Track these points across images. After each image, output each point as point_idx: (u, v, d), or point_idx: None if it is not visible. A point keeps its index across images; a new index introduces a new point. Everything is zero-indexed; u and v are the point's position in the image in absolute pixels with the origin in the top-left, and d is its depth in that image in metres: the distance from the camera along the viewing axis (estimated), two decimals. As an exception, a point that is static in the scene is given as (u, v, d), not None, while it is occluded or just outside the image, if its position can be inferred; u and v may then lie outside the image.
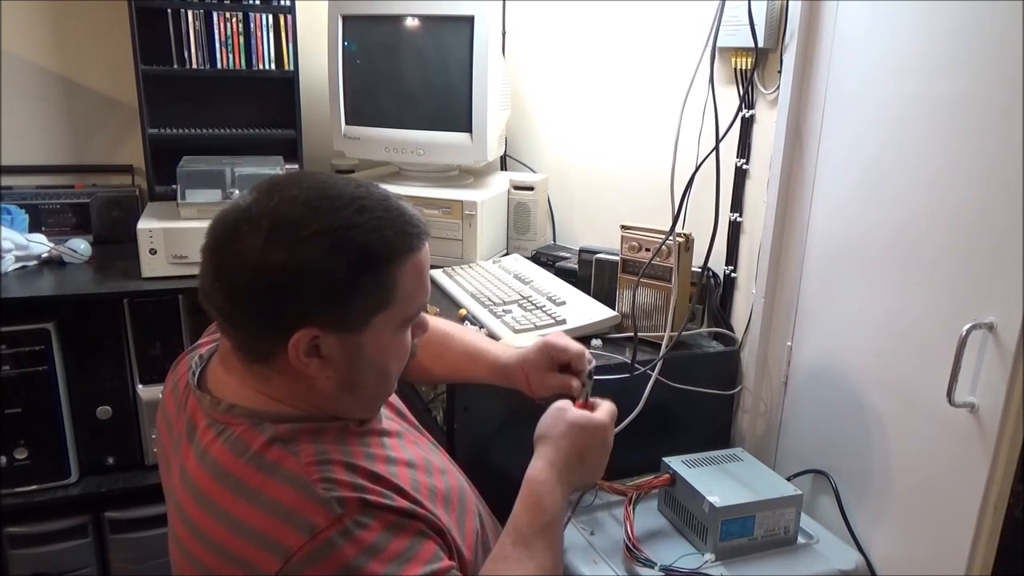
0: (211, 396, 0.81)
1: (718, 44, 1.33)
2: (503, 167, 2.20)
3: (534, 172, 2.05)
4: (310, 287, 0.73)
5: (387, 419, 0.91)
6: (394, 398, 0.96)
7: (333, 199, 0.76)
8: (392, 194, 0.81)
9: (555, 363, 1.05)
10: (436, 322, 1.17)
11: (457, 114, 1.82)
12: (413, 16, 1.83)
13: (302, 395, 0.80)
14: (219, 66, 1.89)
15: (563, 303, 1.46)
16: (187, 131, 1.93)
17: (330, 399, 0.81)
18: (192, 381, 0.84)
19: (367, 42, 1.88)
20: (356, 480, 0.74)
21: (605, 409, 0.95)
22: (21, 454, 1.66)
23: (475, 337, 1.19)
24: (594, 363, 1.05)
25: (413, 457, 0.86)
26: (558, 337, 1.07)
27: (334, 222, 0.74)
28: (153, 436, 1.73)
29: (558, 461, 0.89)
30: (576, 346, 1.05)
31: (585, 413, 0.93)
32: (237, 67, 1.90)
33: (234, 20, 1.88)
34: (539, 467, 0.89)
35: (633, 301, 1.38)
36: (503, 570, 0.81)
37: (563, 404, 0.95)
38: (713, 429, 1.45)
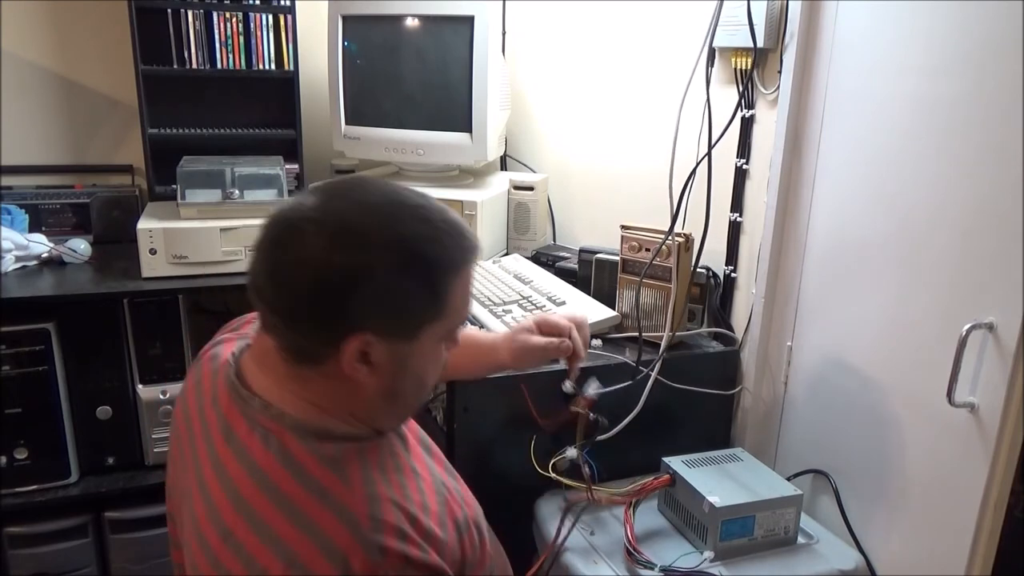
0: (259, 400, 0.79)
1: (718, 44, 1.33)
2: (503, 167, 2.20)
3: (534, 172, 2.05)
4: (371, 293, 0.73)
5: (402, 440, 0.90)
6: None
7: (398, 207, 0.76)
8: (447, 207, 0.81)
9: (543, 330, 1.11)
10: None
11: (457, 114, 1.82)
12: (413, 16, 1.83)
13: (341, 400, 0.80)
14: (219, 66, 1.89)
15: (563, 303, 1.46)
16: (187, 131, 1.93)
17: (368, 406, 0.81)
18: (232, 379, 0.82)
19: (367, 42, 1.88)
20: (401, 526, 0.74)
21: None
22: (21, 454, 1.66)
23: (464, 333, 1.20)
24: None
25: (438, 486, 0.86)
26: (549, 315, 1.14)
27: (399, 230, 0.74)
28: (163, 435, 1.74)
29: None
30: (564, 321, 1.11)
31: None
32: (237, 67, 1.90)
33: (234, 20, 1.87)
34: None
35: (637, 302, 1.38)
36: None
37: None
38: (713, 429, 1.45)
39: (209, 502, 0.77)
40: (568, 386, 1.16)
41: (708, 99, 1.33)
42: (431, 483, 0.83)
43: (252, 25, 1.89)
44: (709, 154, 1.36)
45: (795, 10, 1.25)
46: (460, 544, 0.82)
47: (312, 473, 0.74)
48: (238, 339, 0.90)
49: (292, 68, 1.93)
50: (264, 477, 0.74)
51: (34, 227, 1.89)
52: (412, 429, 0.93)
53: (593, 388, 1.17)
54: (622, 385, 1.29)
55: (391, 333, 0.76)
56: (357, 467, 0.76)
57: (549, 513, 1.23)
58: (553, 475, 1.17)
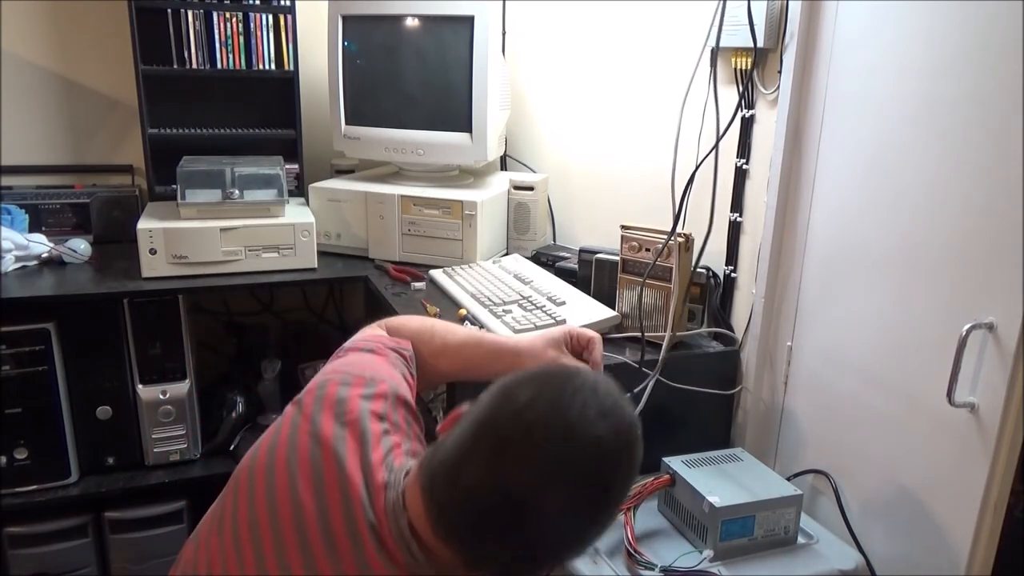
0: (432, 564, 0.78)
1: (718, 44, 1.33)
2: (503, 167, 2.20)
3: (534, 172, 2.05)
4: (577, 546, 0.79)
5: None
6: None
7: (620, 456, 0.76)
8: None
9: (572, 346, 1.12)
10: (449, 327, 1.18)
11: (457, 114, 1.82)
12: (413, 16, 1.83)
13: None
14: (219, 66, 1.89)
15: (563, 303, 1.46)
16: (187, 131, 1.93)
17: None
18: (407, 534, 0.79)
19: (367, 42, 1.89)
20: None
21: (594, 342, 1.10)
22: (21, 454, 1.66)
23: (483, 334, 1.21)
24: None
25: None
26: (573, 327, 1.14)
27: (617, 499, 0.78)
28: (163, 435, 1.74)
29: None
30: (591, 332, 1.13)
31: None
32: (237, 67, 1.90)
33: (234, 20, 1.88)
34: None
35: (639, 302, 1.38)
36: None
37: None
38: (713, 429, 1.45)
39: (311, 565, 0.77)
40: None
41: (716, 99, 1.33)
42: None
43: (252, 25, 1.89)
44: (716, 153, 1.36)
45: (795, 10, 1.25)
46: None
47: None
48: (381, 438, 0.86)
49: (292, 68, 1.93)
50: None
51: (34, 227, 1.89)
52: None
53: None
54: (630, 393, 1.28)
55: None
56: None
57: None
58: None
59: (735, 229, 1.44)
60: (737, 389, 1.44)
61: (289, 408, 0.92)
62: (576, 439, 0.72)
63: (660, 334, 1.35)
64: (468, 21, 1.75)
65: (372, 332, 1.12)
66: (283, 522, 0.81)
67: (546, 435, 0.72)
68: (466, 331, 1.19)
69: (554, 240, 2.00)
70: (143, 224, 1.67)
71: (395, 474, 0.82)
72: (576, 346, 1.12)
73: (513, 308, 1.45)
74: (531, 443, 0.72)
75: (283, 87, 1.94)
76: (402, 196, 1.80)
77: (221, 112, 2.02)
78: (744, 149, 1.40)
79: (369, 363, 0.99)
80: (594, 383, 0.77)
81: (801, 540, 1.18)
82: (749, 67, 1.34)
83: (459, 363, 1.14)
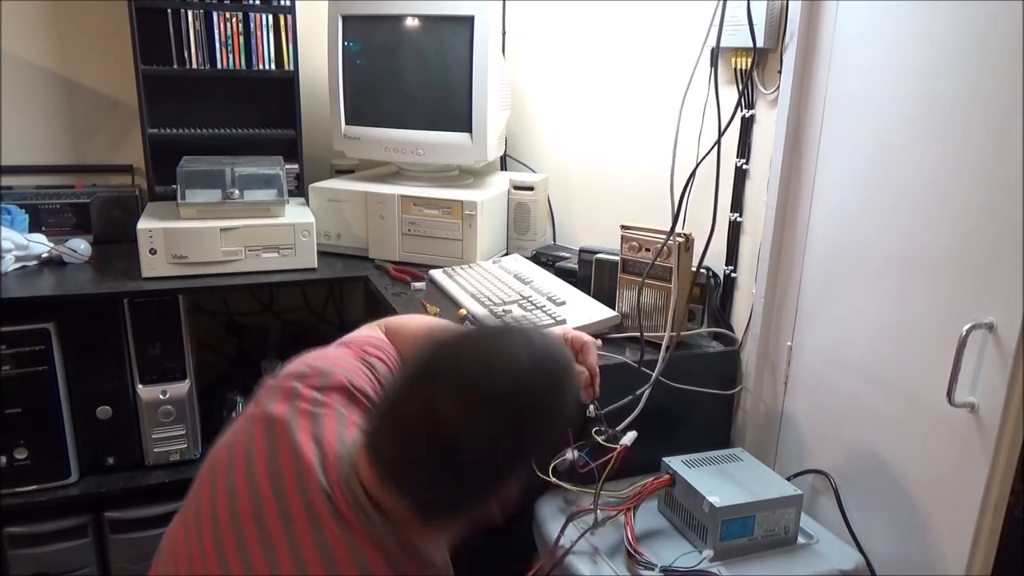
0: (387, 524, 0.80)
1: (718, 44, 1.33)
2: (503, 167, 2.20)
3: (534, 172, 2.05)
4: (515, 474, 0.80)
5: None
6: None
7: (549, 386, 0.80)
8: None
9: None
10: (450, 327, 1.18)
11: (457, 114, 1.82)
12: (413, 16, 1.83)
13: (420, 539, 0.82)
14: (219, 66, 1.89)
15: (563, 303, 1.46)
16: (187, 131, 1.93)
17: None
18: (361, 496, 0.80)
19: (367, 42, 1.89)
20: None
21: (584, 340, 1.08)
22: (21, 454, 1.66)
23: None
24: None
25: None
26: (568, 330, 1.14)
27: (550, 419, 0.81)
28: (163, 435, 1.74)
29: None
30: (585, 336, 1.11)
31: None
32: (237, 67, 1.90)
33: (234, 20, 1.88)
34: None
35: (638, 302, 1.38)
36: None
37: None
38: (713, 429, 1.45)
39: (273, 562, 0.77)
40: (592, 411, 1.19)
41: (717, 99, 1.33)
42: None
43: (252, 25, 1.89)
44: (718, 153, 1.35)
45: (795, 10, 1.25)
46: None
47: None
48: (335, 417, 0.88)
49: (292, 68, 1.93)
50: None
51: (34, 227, 1.89)
52: None
53: (628, 437, 1.21)
54: (626, 399, 1.28)
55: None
56: None
57: (549, 514, 1.23)
58: (553, 479, 1.17)
59: (735, 229, 1.44)
60: (737, 389, 1.44)
61: (248, 405, 0.94)
62: (499, 372, 0.76)
63: (660, 334, 1.35)
64: (468, 21, 1.75)
65: (367, 332, 1.12)
66: (243, 516, 0.81)
67: (471, 369, 0.76)
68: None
69: (554, 240, 2.00)
70: (143, 224, 1.67)
71: (347, 446, 0.84)
72: (571, 350, 1.11)
73: (513, 308, 1.45)
74: (456, 378, 0.76)
75: (283, 87, 1.94)
76: (402, 196, 1.80)
77: (221, 112, 2.02)
78: (744, 149, 1.40)
79: (331, 356, 1.00)
80: (524, 330, 0.83)
81: (801, 540, 1.18)
82: (749, 67, 1.34)
83: None
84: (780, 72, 1.30)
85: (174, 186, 1.74)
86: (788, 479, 1.22)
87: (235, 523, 0.81)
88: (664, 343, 1.33)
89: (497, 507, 0.79)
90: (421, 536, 0.81)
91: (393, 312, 1.46)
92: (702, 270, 1.42)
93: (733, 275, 1.46)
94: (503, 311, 1.43)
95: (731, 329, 1.46)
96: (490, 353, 0.78)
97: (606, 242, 1.56)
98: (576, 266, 1.64)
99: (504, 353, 0.78)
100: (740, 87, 1.37)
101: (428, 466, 0.76)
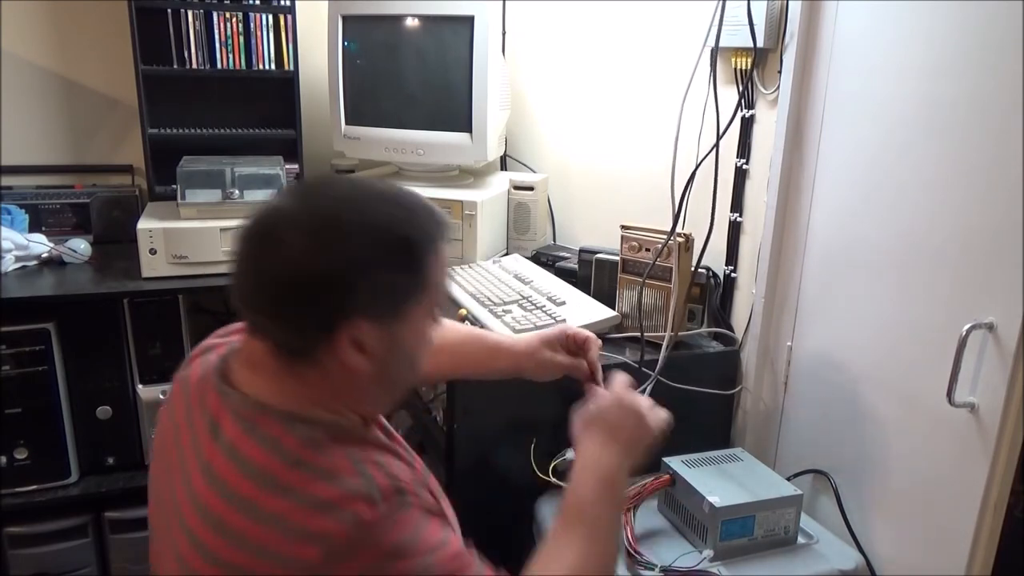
0: (239, 393, 0.81)
1: (718, 44, 1.33)
2: (503, 167, 2.20)
3: (534, 172, 2.05)
4: (356, 280, 0.75)
5: (383, 434, 0.92)
6: (382, 419, 0.98)
7: (367, 195, 0.80)
8: (413, 191, 0.84)
9: (567, 346, 1.12)
10: (447, 325, 1.19)
11: (457, 114, 1.82)
12: (413, 16, 1.83)
13: (334, 391, 0.81)
14: (219, 66, 1.89)
15: (563, 303, 1.46)
16: (187, 131, 1.93)
17: (362, 393, 0.83)
18: (216, 379, 0.84)
19: (367, 42, 1.88)
20: (390, 471, 0.76)
21: (616, 383, 1.02)
22: (21, 454, 1.66)
23: (483, 332, 1.21)
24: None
25: (417, 472, 0.87)
26: (569, 327, 1.14)
27: (373, 217, 0.77)
28: (152, 438, 1.74)
29: (586, 453, 0.94)
30: (587, 332, 1.12)
31: (600, 395, 1.01)
32: (237, 67, 1.90)
33: (234, 20, 1.87)
34: (575, 464, 0.95)
35: (639, 302, 1.38)
36: (544, 560, 0.86)
37: (579, 411, 1.01)
38: (713, 429, 1.45)
39: (197, 502, 0.77)
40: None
41: (716, 99, 1.33)
42: (407, 460, 0.85)
43: (252, 25, 1.89)
44: (717, 152, 1.35)
45: (795, 10, 1.25)
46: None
47: (296, 451, 0.75)
48: (227, 345, 0.91)
49: (292, 68, 1.93)
50: (251, 466, 0.75)
51: (34, 227, 1.89)
52: (395, 436, 0.95)
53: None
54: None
55: (380, 316, 0.78)
56: (339, 446, 0.78)
57: (549, 514, 1.23)
58: (553, 479, 1.17)
59: (735, 229, 1.44)
60: (737, 389, 1.44)
61: None
62: (316, 187, 0.81)
63: (660, 334, 1.35)
64: (468, 21, 1.75)
65: None
66: (167, 505, 0.84)
67: (312, 198, 0.79)
68: (467, 329, 1.20)
69: (554, 240, 2.00)
70: (143, 224, 1.67)
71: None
72: (572, 346, 1.12)
73: (513, 308, 1.45)
74: (298, 203, 0.78)
75: (283, 87, 1.94)
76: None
77: (221, 112, 2.02)
78: (744, 149, 1.40)
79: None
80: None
81: (801, 540, 1.18)
82: (749, 67, 1.34)
83: (457, 360, 1.15)
84: (780, 72, 1.30)
85: (174, 186, 1.73)
86: (788, 479, 1.22)
87: (177, 444, 0.85)
88: (664, 343, 1.33)
89: (351, 347, 0.77)
90: (311, 413, 0.80)
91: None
92: (702, 270, 1.42)
93: (733, 275, 1.46)
94: (503, 311, 1.43)
95: (731, 329, 1.46)
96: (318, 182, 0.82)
97: (606, 242, 1.56)
98: (576, 266, 1.64)
99: (334, 183, 0.81)
100: (740, 87, 1.37)
101: (262, 274, 0.77)
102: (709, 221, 1.38)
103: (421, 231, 0.79)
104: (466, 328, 1.20)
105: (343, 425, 0.81)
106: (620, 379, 1.03)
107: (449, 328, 1.16)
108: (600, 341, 1.13)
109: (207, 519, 0.76)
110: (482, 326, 1.39)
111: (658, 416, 1.00)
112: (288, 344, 0.78)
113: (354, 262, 0.75)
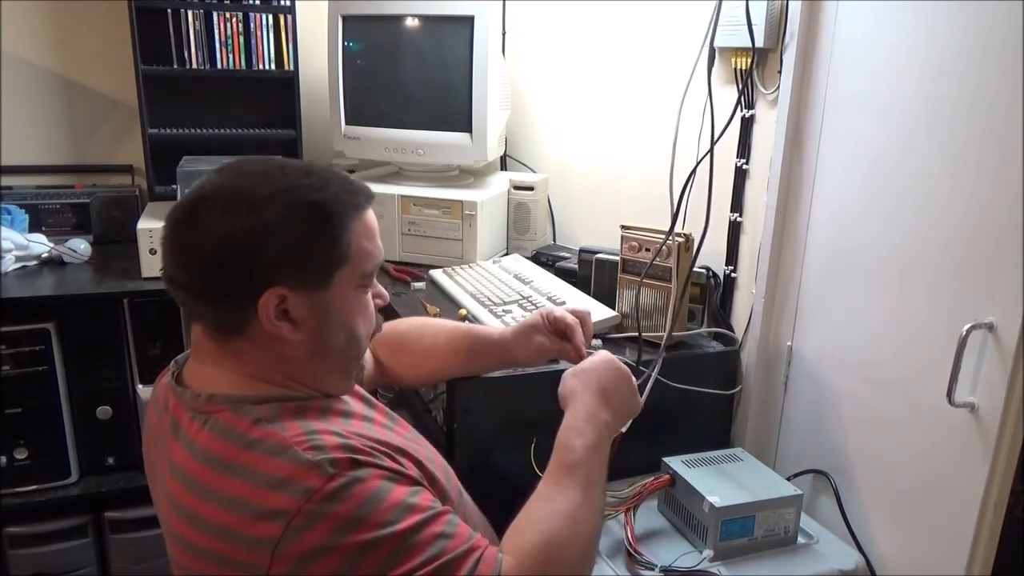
0: (190, 390, 0.83)
1: (718, 44, 1.33)
2: (503, 167, 2.20)
3: (534, 172, 2.05)
4: (271, 246, 0.77)
5: (359, 405, 0.93)
6: (361, 391, 0.97)
7: (281, 168, 0.81)
8: (334, 167, 0.86)
9: (552, 329, 1.12)
10: (439, 324, 1.19)
11: (457, 114, 1.82)
12: (413, 16, 1.83)
13: (277, 366, 0.82)
14: (219, 66, 1.89)
15: (563, 303, 1.46)
16: (187, 131, 1.93)
17: (304, 367, 0.84)
18: (170, 380, 0.87)
19: (367, 42, 1.88)
20: (346, 442, 0.76)
21: (599, 352, 1.05)
22: (21, 454, 1.66)
23: (470, 327, 1.22)
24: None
25: (394, 435, 0.87)
26: (555, 309, 1.14)
27: (286, 184, 0.79)
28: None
29: (580, 408, 0.96)
30: (571, 317, 1.11)
31: (586, 359, 1.03)
32: (237, 67, 1.90)
33: (234, 20, 1.88)
34: (565, 419, 0.96)
35: (637, 302, 1.38)
36: (534, 507, 0.87)
37: (569, 369, 1.03)
38: (713, 429, 1.45)
39: (170, 498, 0.80)
40: None
41: (706, 97, 1.33)
42: (384, 432, 0.85)
43: (252, 25, 1.89)
44: (712, 153, 1.35)
45: (795, 10, 1.25)
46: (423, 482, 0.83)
47: (247, 433, 0.77)
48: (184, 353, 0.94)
49: (292, 68, 1.93)
50: (205, 453, 0.77)
51: (34, 227, 1.89)
52: (376, 405, 0.96)
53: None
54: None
55: (302, 283, 0.79)
56: (293, 417, 0.79)
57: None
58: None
59: (735, 229, 1.44)
60: (737, 389, 1.44)
61: None
62: (232, 167, 0.82)
63: (660, 334, 1.35)
64: (468, 21, 1.75)
65: None
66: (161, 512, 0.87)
67: (210, 172, 0.82)
68: (454, 326, 1.21)
69: (554, 240, 2.00)
70: (143, 224, 1.67)
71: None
72: (554, 329, 1.12)
73: (513, 308, 1.45)
74: (204, 179, 0.81)
75: (283, 87, 1.95)
76: (402, 196, 1.80)
77: (221, 112, 2.02)
78: (744, 149, 1.40)
79: None
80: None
81: (801, 540, 1.18)
82: (749, 67, 1.33)
83: (449, 359, 1.16)
84: (780, 72, 1.30)
85: (174, 186, 1.74)
86: (788, 479, 1.22)
87: (156, 448, 0.88)
88: (663, 343, 1.33)
89: (277, 316, 0.78)
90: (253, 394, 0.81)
91: (394, 312, 1.46)
92: (700, 269, 1.42)
93: (733, 275, 1.46)
94: (503, 311, 1.43)
95: (731, 329, 1.46)
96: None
97: (606, 242, 1.56)
98: (576, 266, 1.64)
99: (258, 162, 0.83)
100: (740, 87, 1.37)
101: (184, 251, 0.78)
102: (704, 221, 1.38)
103: (335, 197, 0.81)
104: (454, 325, 1.21)
105: (293, 397, 0.82)
106: (599, 352, 1.05)
107: (439, 328, 1.18)
108: (585, 318, 1.13)
109: (180, 514, 0.78)
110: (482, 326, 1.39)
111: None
112: (219, 321, 0.80)
113: (267, 229, 0.77)
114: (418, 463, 0.84)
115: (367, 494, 0.73)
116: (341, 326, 0.84)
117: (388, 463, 0.77)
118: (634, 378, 1.03)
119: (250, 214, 0.76)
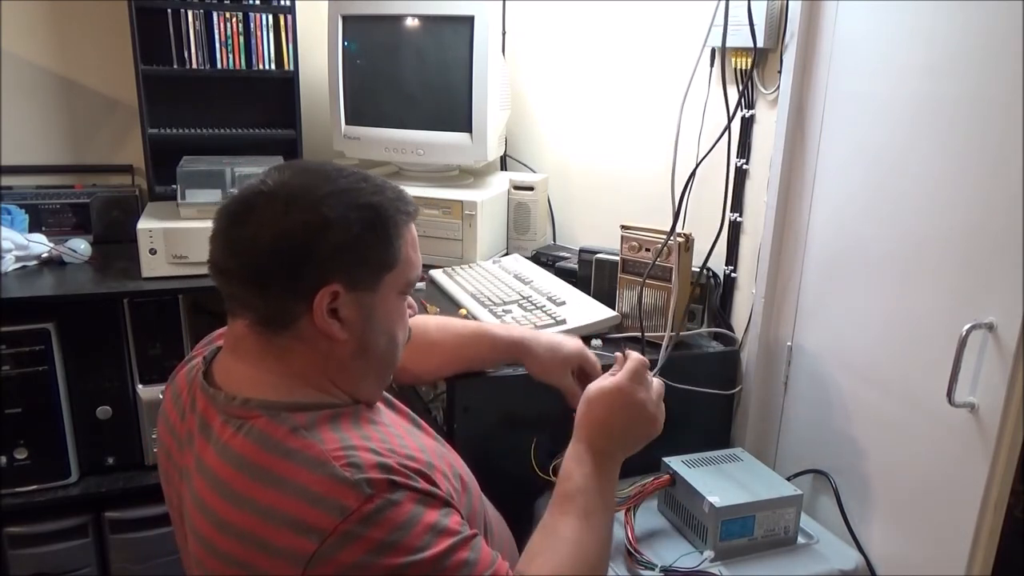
0: (224, 392, 0.82)
1: (718, 44, 1.33)
2: (503, 167, 2.20)
3: (534, 172, 2.05)
4: (330, 242, 0.78)
5: (385, 410, 0.93)
6: (389, 396, 0.98)
7: (339, 170, 0.84)
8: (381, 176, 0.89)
9: (577, 368, 1.15)
10: (445, 323, 1.21)
11: (457, 114, 1.82)
12: (413, 16, 1.83)
13: (320, 366, 0.83)
14: (219, 66, 1.89)
15: (563, 303, 1.46)
16: (187, 131, 1.93)
17: (345, 368, 0.84)
18: (201, 380, 0.86)
19: (367, 42, 1.88)
20: (382, 461, 0.76)
21: (624, 370, 1.00)
22: (21, 454, 1.66)
23: (460, 322, 1.24)
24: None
25: (423, 445, 0.87)
26: (590, 357, 1.16)
27: (345, 186, 0.81)
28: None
29: (583, 436, 0.97)
30: (598, 372, 1.12)
31: (594, 384, 1.00)
32: (237, 67, 1.90)
33: (234, 20, 1.87)
34: (568, 447, 0.97)
35: (639, 302, 1.38)
36: (538, 537, 0.87)
37: (589, 391, 1.01)
38: (713, 429, 1.45)
39: (198, 501, 0.79)
40: None
41: (706, 97, 1.33)
42: (413, 443, 0.85)
43: (252, 25, 1.89)
44: (705, 155, 1.36)
45: (795, 10, 1.25)
46: (454, 495, 0.84)
47: (284, 442, 0.76)
48: (209, 349, 0.94)
49: (292, 68, 1.93)
50: (240, 459, 0.77)
51: (34, 227, 1.89)
52: (400, 408, 0.96)
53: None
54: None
55: (355, 283, 0.81)
56: (328, 427, 0.79)
57: (549, 513, 1.23)
58: (553, 479, 1.17)
59: (735, 229, 1.44)
60: (737, 389, 1.44)
61: None
62: (288, 167, 0.84)
63: (660, 334, 1.35)
64: (468, 21, 1.75)
65: None
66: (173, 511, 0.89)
67: (265, 172, 0.84)
68: (462, 324, 1.21)
69: (554, 240, 2.00)
70: (143, 224, 1.67)
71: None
72: (582, 372, 1.15)
73: (513, 308, 1.45)
74: (260, 177, 0.83)
75: (283, 87, 1.94)
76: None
77: (221, 112, 2.02)
78: (744, 149, 1.40)
79: None
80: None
81: (801, 540, 1.18)
82: (749, 67, 1.34)
83: (454, 357, 1.18)
84: (780, 72, 1.30)
85: (174, 186, 1.74)
86: (788, 479, 1.22)
87: (179, 448, 0.88)
88: (664, 343, 1.33)
89: (328, 313, 0.79)
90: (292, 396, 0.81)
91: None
92: (696, 268, 1.42)
93: (733, 275, 1.46)
94: (503, 311, 1.43)
95: (731, 329, 1.46)
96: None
97: (606, 242, 1.56)
98: (576, 266, 1.64)
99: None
100: (740, 87, 1.37)
101: (239, 243, 0.79)
102: (712, 221, 1.38)
103: (390, 203, 0.83)
104: (462, 324, 1.22)
105: (327, 404, 0.82)
106: (634, 363, 1.00)
107: (445, 326, 1.19)
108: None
109: (209, 518, 0.77)
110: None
111: (662, 411, 1.00)
112: (268, 315, 0.81)
113: (327, 225, 0.78)
114: (448, 475, 0.85)
115: (401, 520, 0.73)
116: (384, 329, 0.85)
117: (422, 484, 0.77)
118: (650, 402, 0.99)
119: (311, 210, 0.78)
